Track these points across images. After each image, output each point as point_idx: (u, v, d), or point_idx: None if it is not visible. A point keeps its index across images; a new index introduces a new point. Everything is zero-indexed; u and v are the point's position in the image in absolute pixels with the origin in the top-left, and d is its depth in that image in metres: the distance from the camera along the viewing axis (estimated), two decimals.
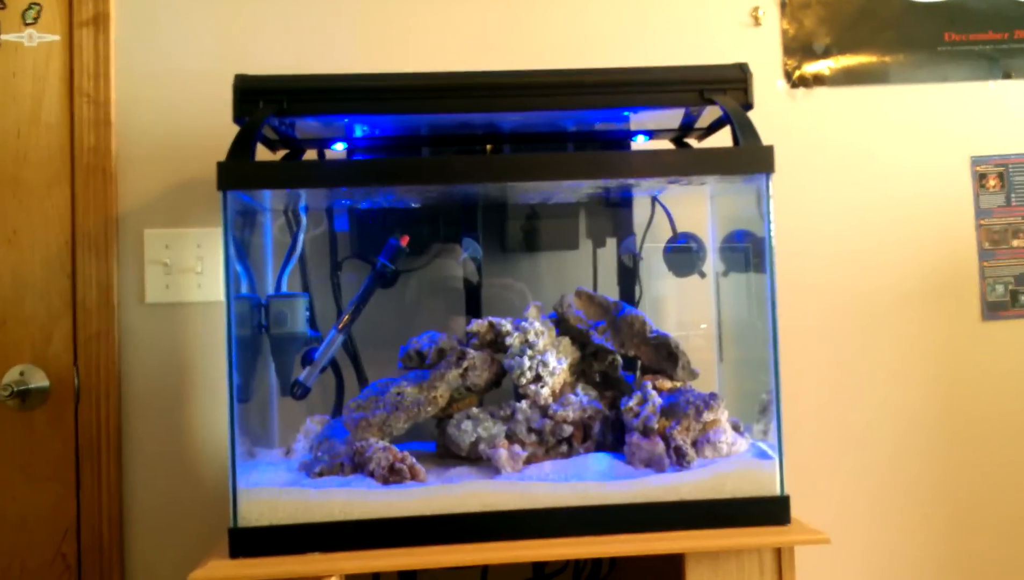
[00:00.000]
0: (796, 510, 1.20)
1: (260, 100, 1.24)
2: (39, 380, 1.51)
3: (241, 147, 1.18)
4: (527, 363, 1.26)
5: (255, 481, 1.20)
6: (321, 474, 1.23)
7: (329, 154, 1.47)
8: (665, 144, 1.50)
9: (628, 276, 1.52)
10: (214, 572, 1.09)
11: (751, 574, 1.15)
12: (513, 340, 1.29)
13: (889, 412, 1.64)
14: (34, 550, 1.50)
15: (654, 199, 1.52)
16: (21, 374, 1.51)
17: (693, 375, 1.32)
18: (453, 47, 1.62)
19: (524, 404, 1.26)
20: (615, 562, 1.53)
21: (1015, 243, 1.65)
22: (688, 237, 1.49)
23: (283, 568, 1.10)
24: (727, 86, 1.29)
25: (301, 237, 1.45)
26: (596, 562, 1.52)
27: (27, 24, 1.56)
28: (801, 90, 1.66)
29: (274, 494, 1.16)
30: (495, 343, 1.31)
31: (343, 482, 1.19)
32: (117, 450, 1.52)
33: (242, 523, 1.15)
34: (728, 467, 1.21)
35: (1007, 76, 1.68)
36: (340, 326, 1.39)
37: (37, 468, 1.51)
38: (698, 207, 1.53)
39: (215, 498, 1.52)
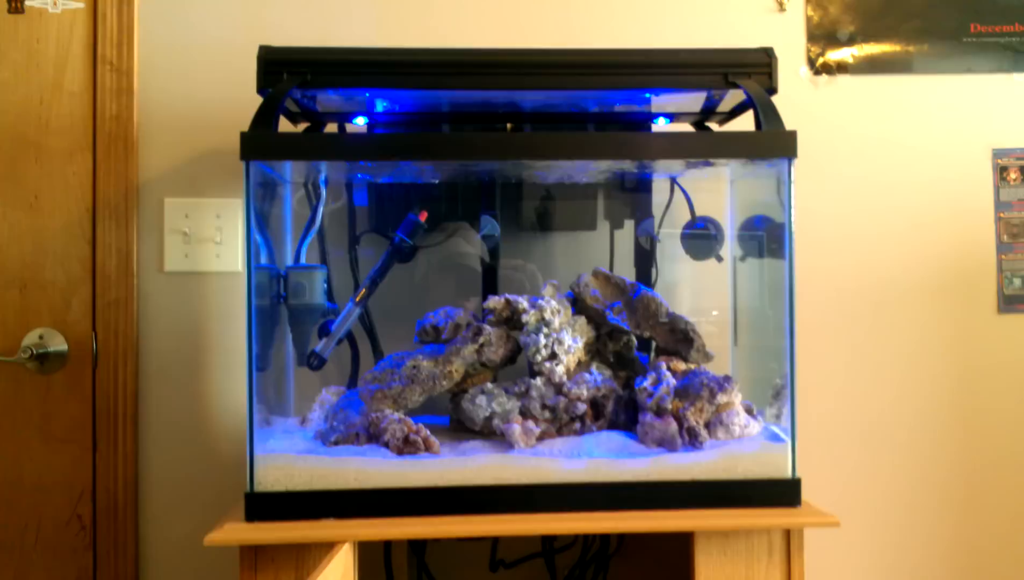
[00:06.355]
0: (804, 495, 1.20)
1: (284, 72, 1.24)
2: (58, 344, 1.53)
3: (264, 118, 1.19)
4: (543, 341, 1.27)
5: (272, 448, 1.21)
6: (336, 443, 1.24)
7: (349, 128, 1.48)
8: (685, 127, 1.50)
9: (645, 258, 1.52)
10: (230, 534, 1.11)
11: (760, 554, 1.16)
12: (529, 317, 1.29)
13: (901, 401, 1.64)
14: (50, 511, 1.53)
15: (673, 181, 1.52)
16: (40, 337, 1.52)
17: (708, 357, 1.33)
18: (473, 24, 1.61)
19: (539, 381, 1.27)
20: (624, 539, 1.54)
21: None
22: (706, 221, 1.49)
23: (297, 533, 1.12)
24: (751, 70, 1.28)
25: (320, 210, 1.46)
26: (605, 538, 1.54)
27: None
28: (824, 77, 1.65)
29: (290, 460, 1.17)
30: (511, 320, 1.32)
31: (358, 451, 1.21)
32: (134, 415, 1.54)
33: (258, 488, 1.16)
34: (740, 449, 1.21)
35: None
36: (357, 299, 1.40)
37: (54, 430, 1.53)
38: (717, 192, 1.53)
39: (229, 465, 1.53)
